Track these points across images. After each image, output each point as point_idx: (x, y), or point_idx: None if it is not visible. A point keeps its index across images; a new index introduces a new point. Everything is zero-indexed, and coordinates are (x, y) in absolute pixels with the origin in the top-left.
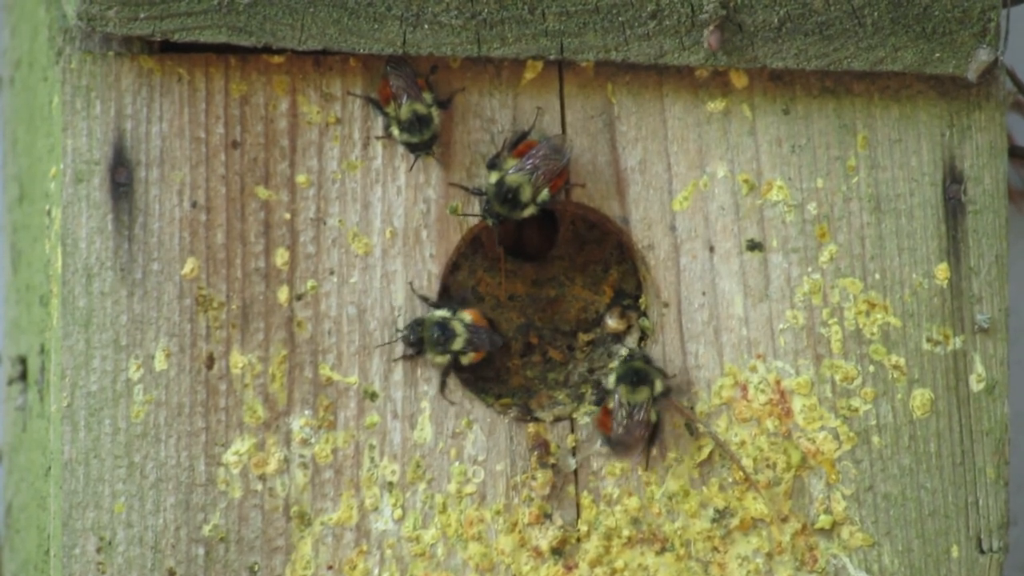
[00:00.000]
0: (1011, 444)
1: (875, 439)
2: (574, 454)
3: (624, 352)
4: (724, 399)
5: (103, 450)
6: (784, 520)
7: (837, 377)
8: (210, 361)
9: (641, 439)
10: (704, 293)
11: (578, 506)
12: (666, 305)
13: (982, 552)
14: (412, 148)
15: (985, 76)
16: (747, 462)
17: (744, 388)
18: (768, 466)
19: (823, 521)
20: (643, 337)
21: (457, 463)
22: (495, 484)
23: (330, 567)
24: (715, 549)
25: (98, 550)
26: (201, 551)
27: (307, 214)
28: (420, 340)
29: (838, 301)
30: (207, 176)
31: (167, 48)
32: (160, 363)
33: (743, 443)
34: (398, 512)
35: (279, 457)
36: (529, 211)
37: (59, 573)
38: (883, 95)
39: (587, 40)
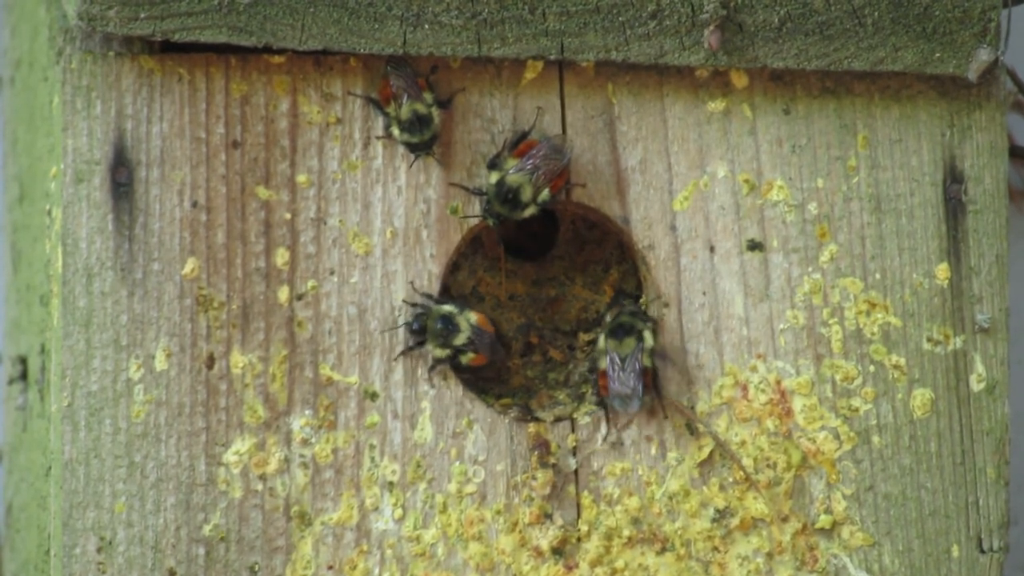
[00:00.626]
0: (1011, 444)
1: (875, 439)
2: (575, 454)
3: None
4: (724, 399)
5: (103, 450)
6: (784, 520)
7: (837, 377)
8: (210, 361)
9: (637, 389)
10: (704, 293)
11: (578, 506)
12: (666, 305)
13: (982, 552)
14: (412, 148)
15: (985, 76)
16: (747, 462)
17: (744, 388)
18: (768, 466)
19: (823, 521)
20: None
21: (457, 463)
22: (495, 484)
23: (330, 567)
24: (715, 549)
25: (98, 550)
26: (201, 551)
27: (307, 214)
28: (423, 329)
29: (838, 301)
30: (207, 176)
31: (168, 48)
32: (160, 363)
33: (743, 443)
34: (398, 512)
35: (279, 457)
36: (530, 211)
37: (59, 573)
38: (883, 95)
39: (587, 40)
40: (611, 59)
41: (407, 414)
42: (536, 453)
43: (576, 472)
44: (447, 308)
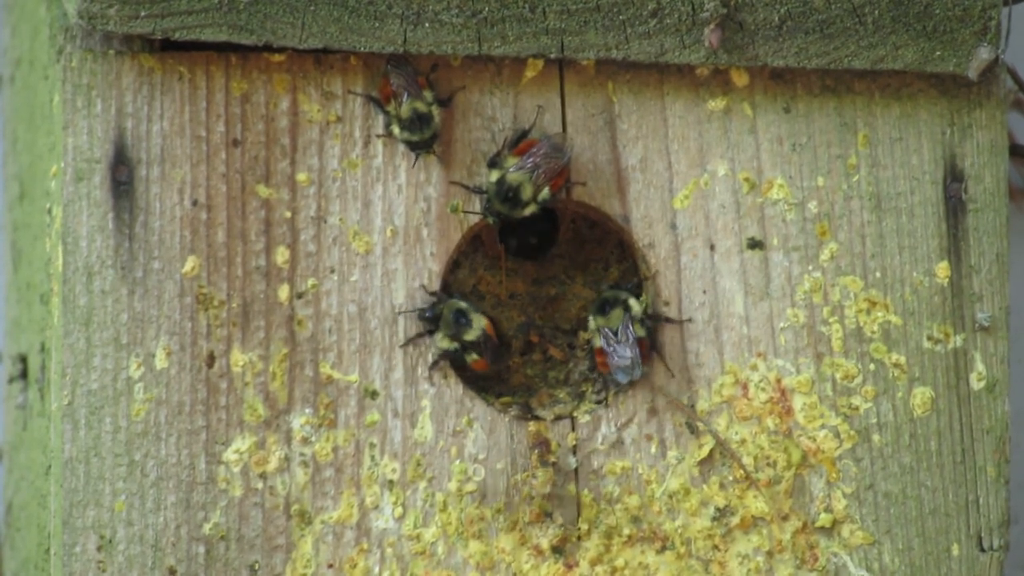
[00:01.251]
0: (1012, 442)
1: (875, 437)
2: (575, 452)
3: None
4: (725, 397)
5: (103, 448)
6: (784, 518)
7: (838, 375)
8: (211, 359)
9: (636, 357)
10: (705, 291)
11: (579, 504)
12: (666, 304)
13: (982, 550)
14: (413, 146)
15: (986, 74)
16: (747, 460)
17: (745, 386)
18: (768, 464)
19: (823, 519)
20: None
21: (458, 461)
22: (496, 482)
23: (330, 565)
24: (716, 547)
25: (98, 548)
26: (201, 549)
27: (308, 212)
28: (437, 317)
29: (839, 299)
30: (208, 174)
31: (168, 46)
32: (161, 361)
33: (743, 441)
34: (399, 510)
35: (279, 455)
36: (530, 209)
37: (59, 571)
38: (884, 93)
39: (588, 38)
40: (611, 57)
41: (407, 412)
42: (536, 452)
43: (576, 471)
44: (464, 303)
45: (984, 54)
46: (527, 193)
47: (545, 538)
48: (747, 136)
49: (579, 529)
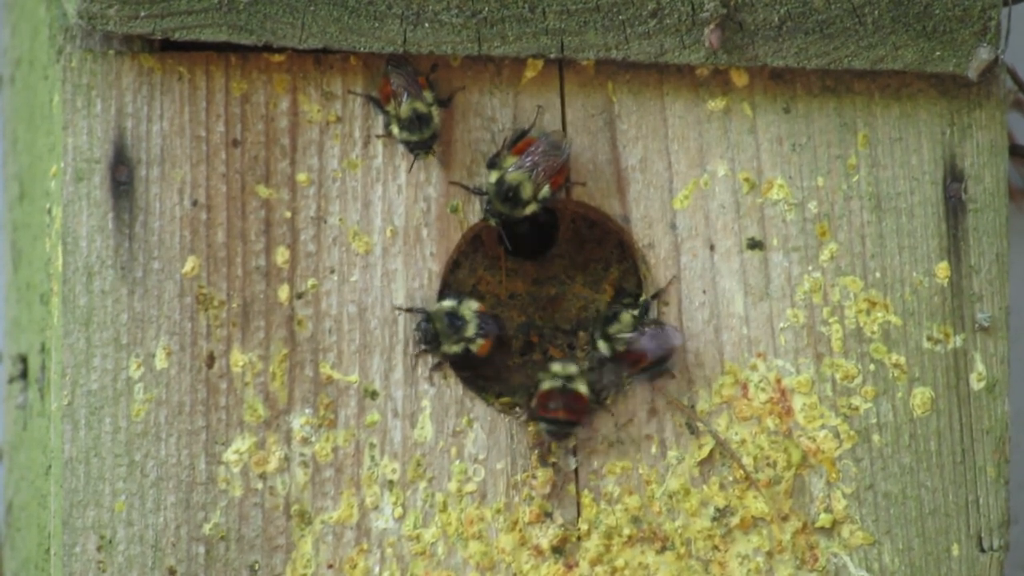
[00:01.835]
0: (1012, 442)
1: (875, 437)
2: (575, 453)
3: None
4: (724, 397)
5: (103, 448)
6: (784, 519)
7: (837, 376)
8: (210, 360)
9: (666, 326)
10: (704, 292)
11: (579, 505)
12: (666, 304)
13: (982, 551)
14: (412, 147)
15: (986, 75)
16: (747, 461)
17: (744, 387)
18: (768, 464)
19: (823, 520)
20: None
21: (458, 462)
22: (496, 483)
23: (330, 566)
24: (715, 548)
25: (98, 548)
26: (201, 550)
27: (308, 212)
28: (435, 335)
29: (838, 300)
30: (208, 174)
31: (168, 46)
32: (160, 361)
33: (743, 441)
34: (398, 511)
35: (279, 456)
36: (531, 208)
37: (59, 572)
38: (883, 94)
39: (588, 38)
40: (611, 57)
41: (407, 413)
42: (536, 452)
43: (576, 471)
44: (448, 304)
45: (984, 54)
46: (527, 192)
47: (545, 538)
48: (747, 136)
49: (579, 529)
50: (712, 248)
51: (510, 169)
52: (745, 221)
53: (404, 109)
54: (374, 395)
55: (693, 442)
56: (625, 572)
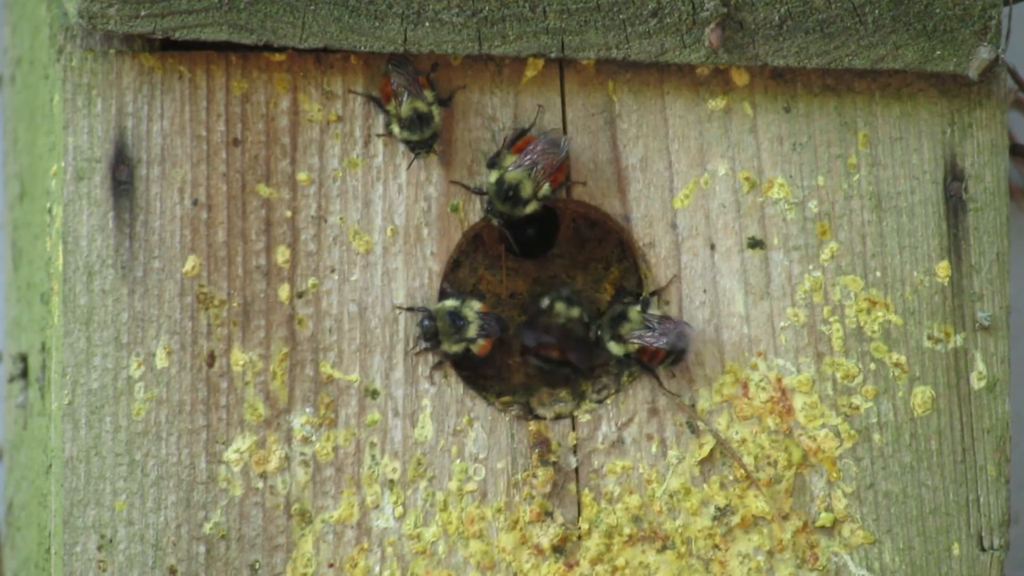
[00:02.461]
0: (1012, 442)
1: (876, 437)
2: (575, 452)
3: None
4: (725, 397)
5: (104, 448)
6: (785, 518)
7: (838, 375)
8: (211, 359)
9: (676, 323)
10: (705, 291)
11: (579, 504)
12: (667, 303)
13: (983, 550)
14: (413, 146)
15: (986, 74)
16: (748, 460)
17: (745, 386)
18: (769, 464)
19: (824, 519)
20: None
21: (458, 461)
22: (496, 482)
23: (331, 565)
24: (716, 547)
25: (99, 548)
26: (202, 549)
27: (308, 212)
28: (436, 333)
29: (839, 299)
30: (208, 174)
31: (168, 46)
32: (161, 361)
33: (744, 441)
34: (399, 510)
35: (280, 455)
36: (532, 207)
37: (60, 571)
38: (884, 93)
39: (588, 38)
40: (612, 57)
41: (408, 412)
42: (537, 451)
43: (577, 470)
44: (450, 304)
45: (984, 53)
46: (527, 190)
47: (546, 537)
48: (747, 135)
49: (579, 528)
50: (713, 247)
51: (509, 168)
52: (746, 220)
53: (405, 108)
54: (375, 394)
55: (694, 441)
56: (626, 571)
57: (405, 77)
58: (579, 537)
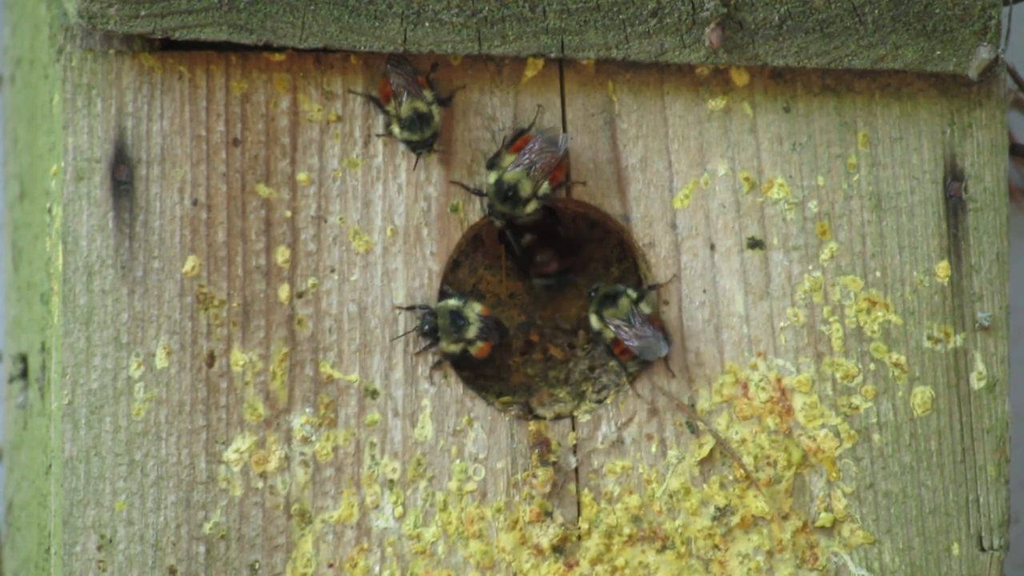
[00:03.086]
0: (1012, 442)
1: (876, 437)
2: (575, 452)
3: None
4: (725, 397)
5: (104, 448)
6: (785, 518)
7: (838, 375)
8: (211, 359)
9: (656, 333)
10: (705, 291)
11: (579, 504)
12: (666, 303)
13: (983, 550)
14: (413, 146)
15: (986, 74)
16: (748, 460)
17: (745, 386)
18: (769, 464)
19: (824, 519)
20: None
21: (458, 461)
22: (496, 482)
23: (331, 565)
24: (716, 547)
25: (99, 548)
26: (202, 549)
27: (308, 212)
28: (435, 329)
29: (839, 299)
30: (208, 174)
31: (168, 46)
32: (161, 361)
33: (744, 441)
34: (399, 510)
35: (280, 455)
36: (532, 206)
37: (60, 571)
38: (884, 93)
39: (588, 38)
40: (611, 57)
41: (407, 412)
42: (536, 451)
43: (576, 470)
44: (453, 303)
45: (984, 53)
46: (526, 190)
47: (545, 537)
48: (747, 135)
49: (579, 528)
50: (712, 247)
51: (508, 169)
52: (745, 220)
53: (404, 108)
54: (374, 394)
55: (693, 441)
56: (625, 571)
57: (404, 77)
58: (579, 537)
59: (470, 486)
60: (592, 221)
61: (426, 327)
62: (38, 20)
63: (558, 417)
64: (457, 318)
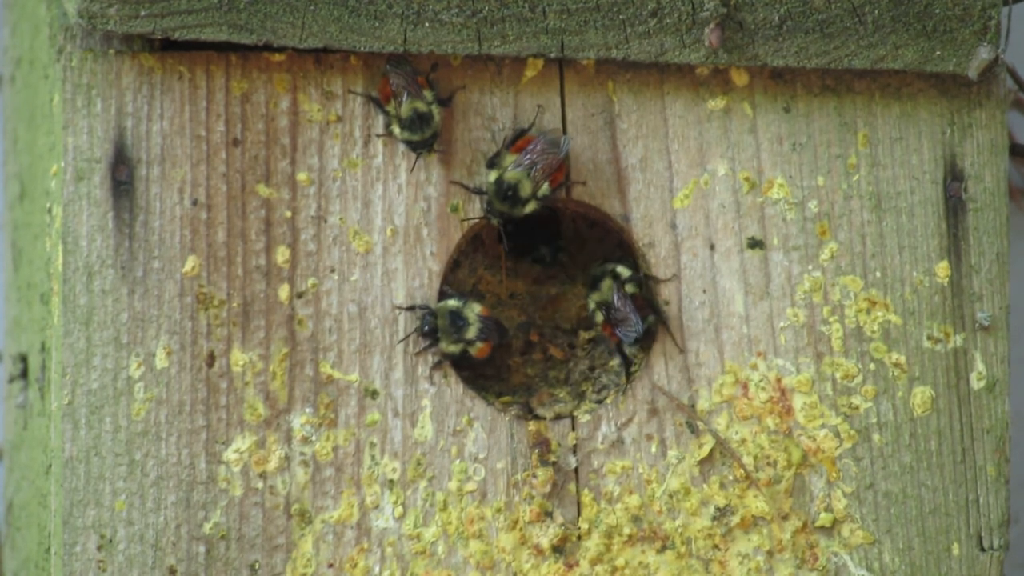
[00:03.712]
0: (1012, 442)
1: (876, 437)
2: (575, 452)
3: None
4: (725, 397)
5: (104, 448)
6: (785, 518)
7: (838, 375)
8: (211, 359)
9: (633, 313)
10: (705, 291)
11: (579, 504)
12: (666, 303)
13: (983, 550)
14: (413, 146)
15: (986, 74)
16: (748, 460)
17: (745, 386)
18: (769, 464)
19: (824, 519)
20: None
21: (458, 461)
22: (496, 482)
23: (331, 565)
24: (716, 547)
25: (99, 548)
26: (202, 549)
27: (308, 212)
28: (435, 330)
29: (839, 299)
30: (208, 174)
31: (168, 46)
32: (161, 361)
33: (744, 441)
34: (399, 510)
35: (280, 455)
36: (531, 206)
37: (60, 571)
38: (884, 93)
39: (588, 38)
40: (611, 57)
41: (407, 412)
42: (536, 451)
43: (576, 470)
44: (453, 303)
45: (984, 54)
46: (526, 190)
47: (545, 537)
48: (747, 136)
49: (579, 528)
50: (712, 247)
51: (508, 168)
52: (745, 220)
53: (404, 109)
54: (374, 394)
55: (693, 441)
56: (625, 571)
57: (404, 77)
58: (579, 537)
59: (470, 486)
60: (592, 221)
61: (426, 327)
62: (38, 20)
63: (558, 417)
64: (457, 318)
